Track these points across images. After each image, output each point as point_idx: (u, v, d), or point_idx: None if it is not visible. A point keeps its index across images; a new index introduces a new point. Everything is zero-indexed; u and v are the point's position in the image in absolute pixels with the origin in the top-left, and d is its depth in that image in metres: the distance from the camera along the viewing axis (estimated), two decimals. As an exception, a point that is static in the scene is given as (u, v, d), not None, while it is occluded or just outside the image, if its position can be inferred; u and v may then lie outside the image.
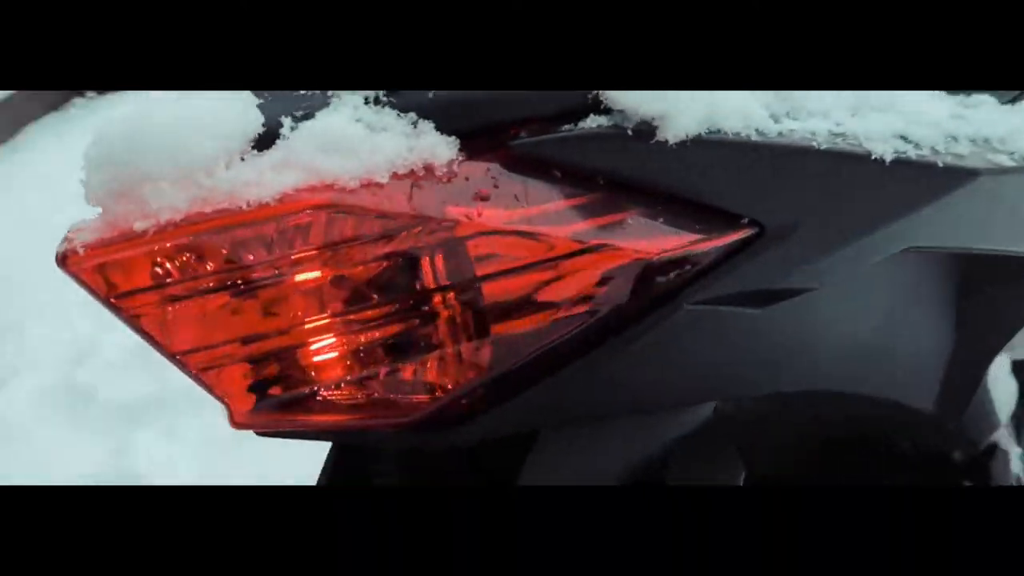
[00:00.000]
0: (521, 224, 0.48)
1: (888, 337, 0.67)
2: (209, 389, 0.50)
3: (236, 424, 0.51)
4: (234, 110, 0.47)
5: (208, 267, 0.46)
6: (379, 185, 0.46)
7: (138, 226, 0.44)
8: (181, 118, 0.46)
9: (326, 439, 0.57)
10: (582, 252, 0.49)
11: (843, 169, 0.55)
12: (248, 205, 0.44)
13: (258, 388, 0.51)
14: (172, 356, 0.49)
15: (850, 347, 0.65)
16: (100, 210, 0.46)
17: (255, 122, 0.47)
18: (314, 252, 0.46)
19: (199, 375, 0.49)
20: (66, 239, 0.46)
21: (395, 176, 0.46)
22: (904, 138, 0.58)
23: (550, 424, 0.58)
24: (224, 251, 0.46)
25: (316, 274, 0.47)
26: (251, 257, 0.46)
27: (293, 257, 0.46)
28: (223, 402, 0.51)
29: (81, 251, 0.44)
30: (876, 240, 0.58)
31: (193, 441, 2.51)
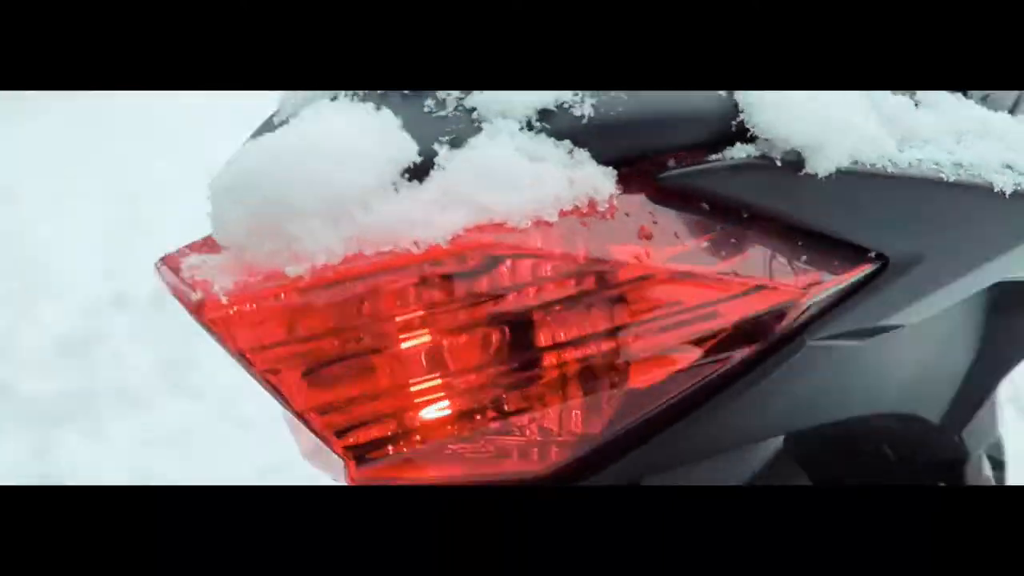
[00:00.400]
0: (682, 263, 0.46)
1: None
2: (330, 445, 0.46)
3: (354, 480, 0.47)
4: (375, 134, 0.43)
5: (362, 318, 0.42)
6: (548, 224, 0.42)
7: (290, 271, 0.39)
8: (321, 144, 0.41)
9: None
10: (744, 293, 0.48)
11: (968, 201, 0.55)
12: (417, 246, 0.40)
13: (381, 444, 0.47)
14: (299, 413, 0.44)
15: (929, 375, 0.67)
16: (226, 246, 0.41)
17: (404, 149, 0.43)
18: (478, 299, 0.43)
19: (325, 434, 0.45)
20: (193, 284, 0.40)
21: (562, 213, 0.43)
22: (1010, 167, 0.58)
23: (662, 468, 0.56)
24: (382, 299, 0.41)
25: (477, 320, 0.44)
26: (410, 305, 0.42)
27: (457, 305, 0.42)
28: (343, 458, 0.47)
29: (224, 299, 0.39)
30: (979, 274, 0.58)
31: (120, 441, 2.40)
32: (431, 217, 0.40)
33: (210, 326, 0.40)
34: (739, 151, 0.49)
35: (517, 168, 0.42)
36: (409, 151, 0.42)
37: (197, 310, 0.39)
